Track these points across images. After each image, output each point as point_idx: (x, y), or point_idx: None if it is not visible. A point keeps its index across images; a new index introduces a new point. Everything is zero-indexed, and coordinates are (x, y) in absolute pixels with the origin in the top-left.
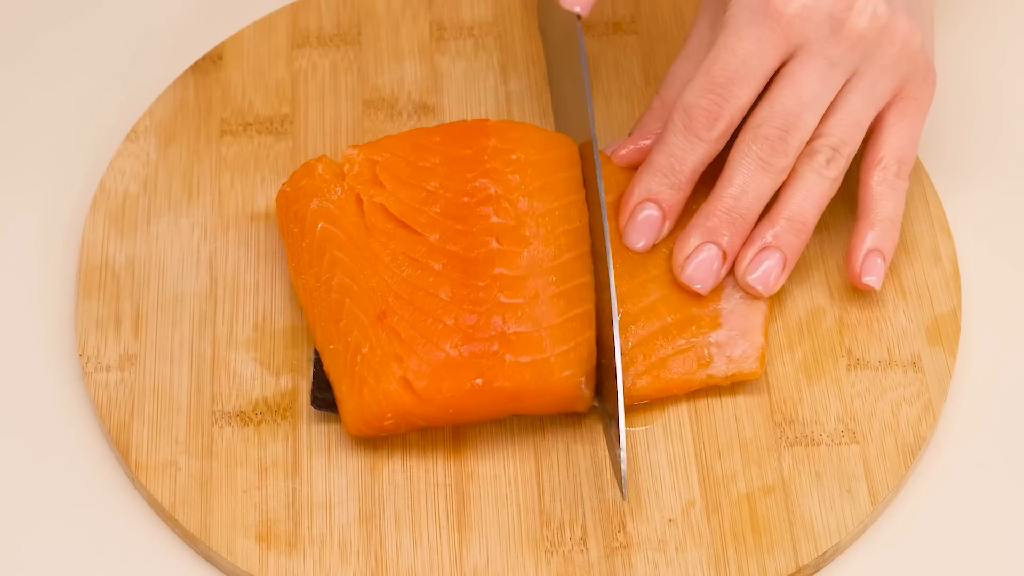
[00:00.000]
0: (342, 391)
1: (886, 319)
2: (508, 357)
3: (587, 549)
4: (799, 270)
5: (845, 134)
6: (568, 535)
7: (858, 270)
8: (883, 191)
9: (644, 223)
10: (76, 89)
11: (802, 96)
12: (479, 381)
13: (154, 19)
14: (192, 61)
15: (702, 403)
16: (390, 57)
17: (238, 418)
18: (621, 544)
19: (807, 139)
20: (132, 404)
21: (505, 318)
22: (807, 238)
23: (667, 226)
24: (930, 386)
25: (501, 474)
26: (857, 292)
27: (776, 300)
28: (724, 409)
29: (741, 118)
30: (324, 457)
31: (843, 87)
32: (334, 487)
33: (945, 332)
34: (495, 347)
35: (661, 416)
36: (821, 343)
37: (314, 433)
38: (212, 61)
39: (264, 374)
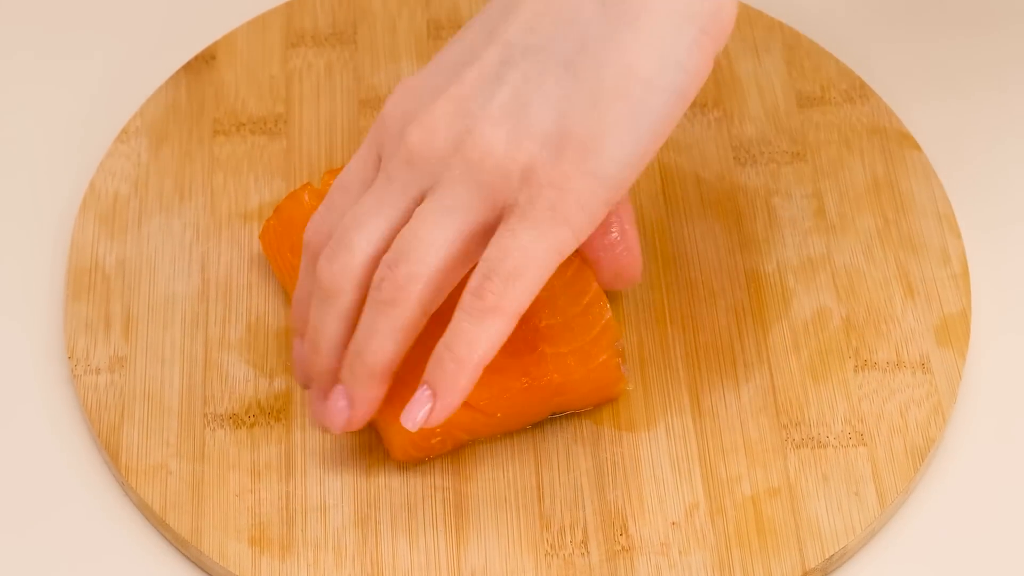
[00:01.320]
0: (385, 418)
1: (894, 319)
2: (548, 350)
3: (588, 552)
4: (805, 271)
5: (401, 254)
6: (569, 538)
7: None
8: (459, 317)
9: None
10: (66, 88)
11: (357, 214)
12: (526, 380)
13: (146, 18)
14: (184, 60)
15: (706, 404)
16: (386, 56)
17: (230, 420)
18: (623, 547)
19: (362, 263)
20: (122, 407)
21: (532, 313)
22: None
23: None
24: (939, 387)
25: (500, 476)
26: (865, 292)
27: (782, 301)
28: (729, 410)
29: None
30: (318, 460)
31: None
32: (329, 490)
33: (954, 332)
34: (533, 344)
35: (664, 418)
36: (828, 344)
37: (308, 436)
38: (205, 60)
39: (257, 376)
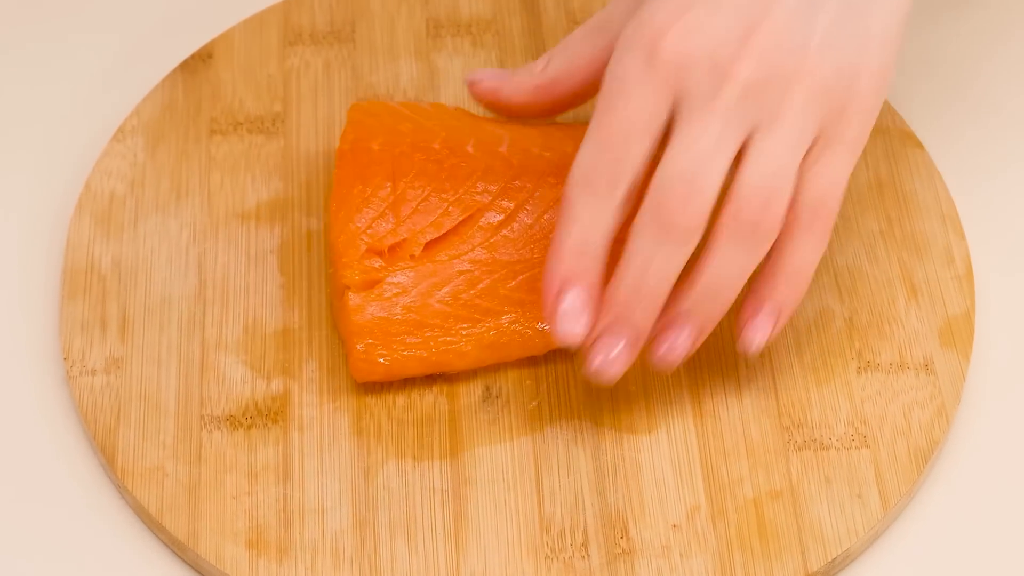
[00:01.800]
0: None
1: (897, 321)
2: None
3: (588, 556)
4: None
5: (759, 193)
6: (569, 541)
7: (742, 324)
8: (786, 242)
9: (572, 308)
10: (61, 88)
11: (695, 154)
12: None
13: (142, 16)
14: (181, 59)
15: (708, 406)
16: (385, 55)
17: (227, 422)
18: (624, 550)
19: (712, 199)
20: (118, 408)
21: None
22: (725, 307)
23: (596, 305)
24: (943, 389)
25: (499, 478)
26: (868, 293)
27: None
28: (730, 412)
29: (642, 175)
30: (316, 461)
31: (748, 141)
32: (327, 492)
33: (958, 334)
34: None
35: (665, 420)
36: (830, 345)
37: (306, 437)
38: (201, 59)
39: (254, 377)
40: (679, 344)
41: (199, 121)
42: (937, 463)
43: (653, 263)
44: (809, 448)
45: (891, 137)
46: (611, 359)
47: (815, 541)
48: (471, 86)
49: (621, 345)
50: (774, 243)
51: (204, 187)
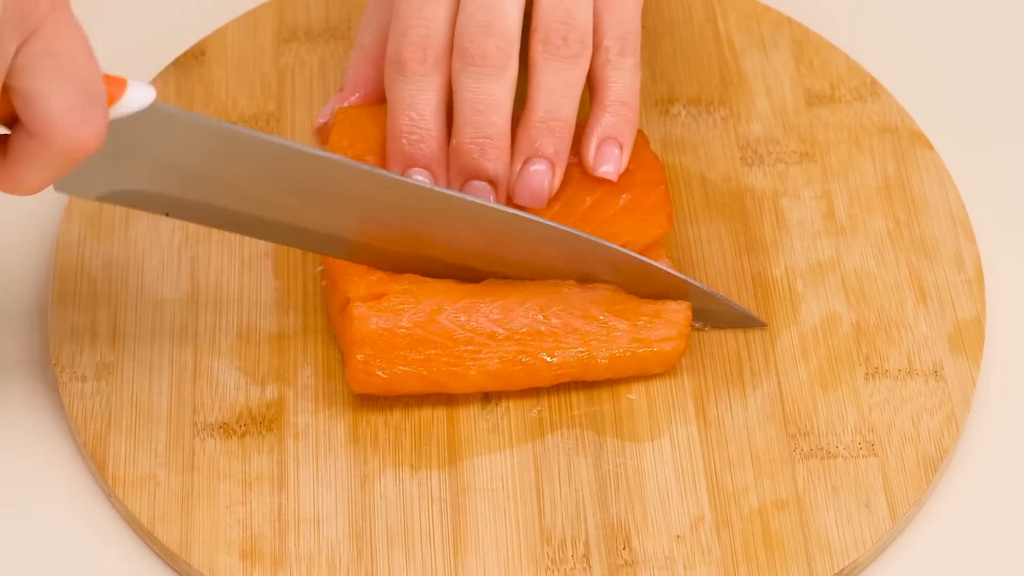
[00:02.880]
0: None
1: (906, 326)
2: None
3: (590, 567)
4: (814, 275)
5: (558, 10)
6: (570, 552)
7: (591, 161)
8: (608, 73)
9: (538, 183)
10: None
11: None
12: None
13: (133, 13)
14: (173, 57)
15: (712, 413)
16: None
17: (221, 430)
18: (626, 562)
19: (513, 24)
20: (109, 415)
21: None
22: (569, 128)
23: (439, 176)
24: (953, 396)
25: (499, 487)
26: (875, 297)
27: (790, 306)
28: (735, 419)
29: (448, 34)
30: (312, 470)
31: None
32: (322, 502)
33: (968, 339)
34: None
35: (668, 427)
36: (837, 351)
37: (301, 445)
38: (194, 57)
39: (248, 384)
40: (539, 179)
41: None
42: (947, 472)
43: (479, 99)
44: (816, 456)
45: (900, 136)
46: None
47: (822, 552)
48: (316, 129)
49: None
50: (594, 82)
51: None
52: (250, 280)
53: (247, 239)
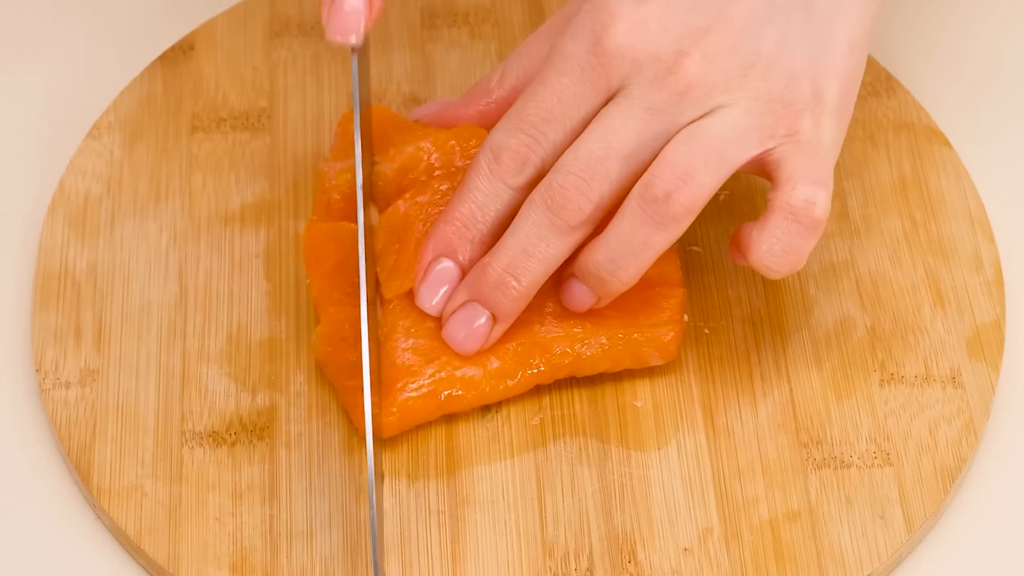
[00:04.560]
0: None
1: (923, 330)
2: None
3: None
4: (827, 277)
5: (676, 169)
6: (573, 566)
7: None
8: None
9: (438, 279)
10: (33, 81)
11: (611, 142)
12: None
13: (119, 6)
14: (161, 51)
15: (721, 421)
16: (378, 47)
17: (210, 438)
18: (632, 575)
19: (612, 194)
20: (94, 424)
21: None
22: (622, 283)
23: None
24: (971, 403)
25: (499, 499)
26: (891, 300)
27: (802, 310)
28: (745, 428)
29: (555, 159)
30: (304, 481)
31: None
32: (316, 514)
33: (987, 344)
34: None
35: (675, 435)
36: (851, 356)
37: (293, 455)
38: (182, 51)
39: (238, 391)
40: (576, 300)
41: (180, 117)
42: (965, 482)
43: (533, 245)
44: (829, 466)
45: (916, 134)
46: (463, 330)
47: (835, 565)
48: (414, 119)
49: (481, 322)
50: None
51: (185, 187)
52: (241, 283)
53: (237, 239)
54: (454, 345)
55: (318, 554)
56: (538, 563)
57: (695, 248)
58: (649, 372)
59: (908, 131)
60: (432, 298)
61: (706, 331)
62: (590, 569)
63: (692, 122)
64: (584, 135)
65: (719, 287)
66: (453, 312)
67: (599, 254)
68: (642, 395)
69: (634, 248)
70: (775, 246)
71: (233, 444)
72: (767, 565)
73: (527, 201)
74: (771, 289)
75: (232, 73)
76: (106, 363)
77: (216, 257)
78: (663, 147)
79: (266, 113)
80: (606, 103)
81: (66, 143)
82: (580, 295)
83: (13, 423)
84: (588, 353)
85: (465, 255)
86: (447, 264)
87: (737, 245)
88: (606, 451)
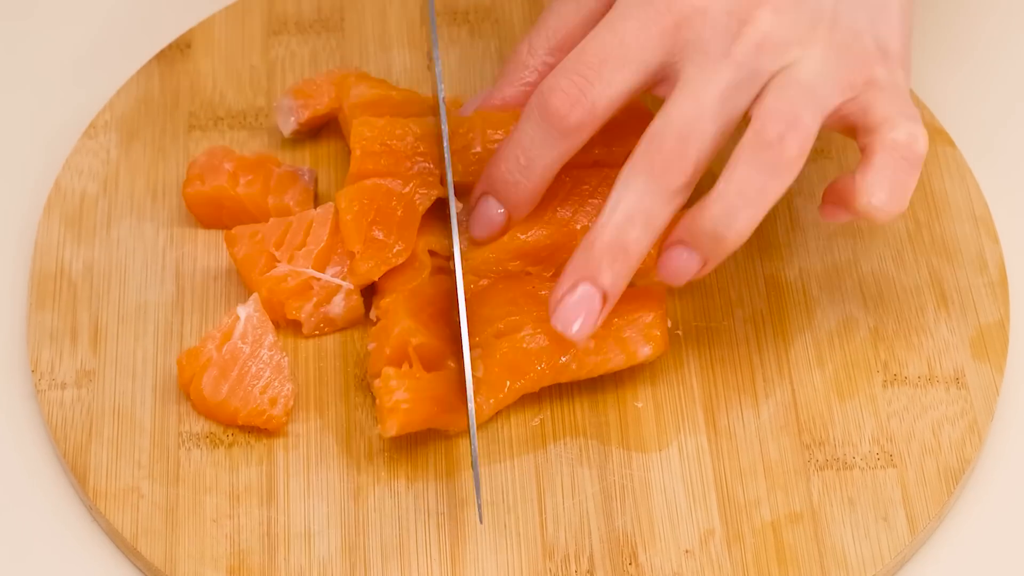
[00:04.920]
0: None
1: (926, 330)
2: None
3: None
4: (829, 278)
5: (782, 114)
6: (573, 568)
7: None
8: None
9: (483, 219)
10: (29, 79)
11: (702, 100)
12: None
13: (116, 3)
14: (157, 49)
15: (722, 422)
16: (376, 45)
17: (207, 440)
18: None
19: (710, 152)
20: (90, 425)
21: None
22: (739, 236)
23: (512, 224)
24: (975, 404)
25: (499, 500)
26: (894, 300)
27: (804, 310)
28: (747, 429)
29: (611, 111)
30: (302, 482)
31: (766, 86)
32: (314, 515)
33: (991, 345)
34: None
35: (677, 437)
36: (854, 357)
37: (291, 456)
38: (179, 49)
39: None
40: (681, 268)
41: (177, 116)
42: (969, 483)
43: (636, 214)
44: (831, 467)
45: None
46: (575, 313)
47: (838, 567)
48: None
49: (592, 301)
50: None
51: (182, 187)
52: (237, 283)
53: None
54: (566, 331)
55: (316, 556)
56: (538, 565)
57: None
58: (650, 373)
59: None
60: (479, 228)
61: (707, 331)
62: (590, 571)
63: (774, 75)
64: (673, 97)
65: (721, 288)
66: (561, 298)
67: (715, 207)
68: (643, 396)
69: (751, 197)
70: (884, 186)
71: (230, 445)
72: (769, 567)
73: (624, 171)
74: (773, 289)
75: (230, 71)
76: (102, 364)
77: (213, 257)
78: (749, 101)
79: (264, 112)
80: (671, 57)
81: (62, 142)
82: (685, 263)
83: (8, 424)
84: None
85: (510, 197)
86: (492, 207)
87: (836, 198)
88: (607, 452)
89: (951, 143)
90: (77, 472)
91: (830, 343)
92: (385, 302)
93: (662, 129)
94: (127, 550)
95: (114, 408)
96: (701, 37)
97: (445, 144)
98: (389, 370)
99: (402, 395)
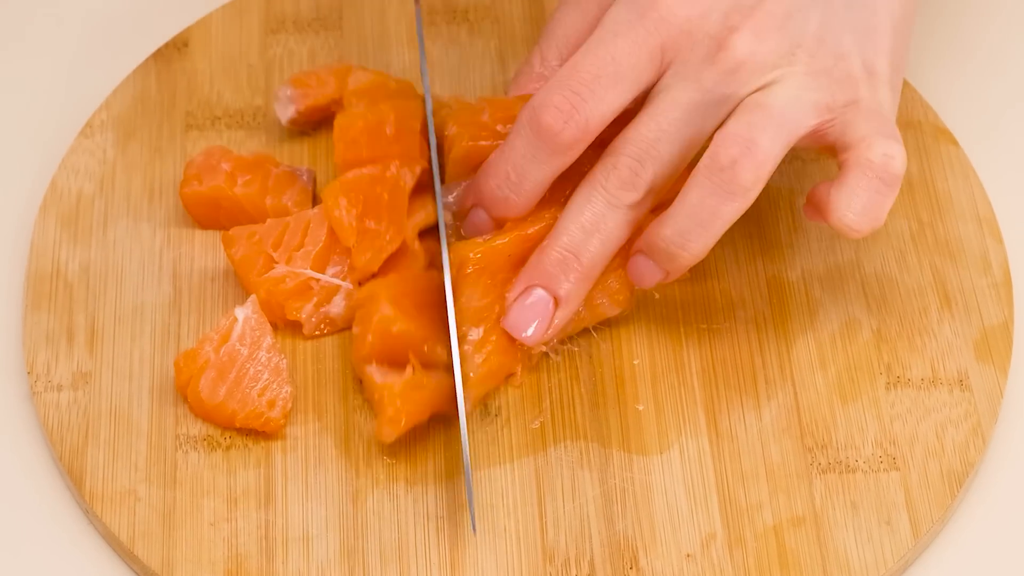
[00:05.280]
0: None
1: (930, 332)
2: None
3: None
4: (832, 279)
5: (739, 140)
6: (574, 572)
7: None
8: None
9: (473, 228)
10: (24, 78)
11: (661, 123)
12: None
13: (112, 1)
14: (154, 48)
15: (724, 424)
16: (375, 44)
17: (205, 442)
18: None
19: (666, 175)
20: (86, 427)
21: None
22: (691, 256)
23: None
24: (979, 406)
25: (499, 504)
26: (897, 302)
27: (807, 312)
28: (749, 432)
29: (603, 127)
30: (301, 485)
31: (738, 106)
32: (312, 518)
33: (995, 346)
34: None
35: (678, 440)
36: (857, 359)
37: (289, 459)
38: (176, 48)
39: None
40: (644, 275)
41: (174, 115)
42: (972, 486)
43: (591, 224)
44: (834, 471)
45: (923, 132)
46: (526, 316)
47: (840, 571)
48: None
49: (543, 305)
50: None
51: (179, 187)
52: (235, 284)
53: None
54: (517, 333)
55: (314, 560)
56: (538, 569)
57: None
58: (651, 375)
59: (915, 130)
60: (472, 233)
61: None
62: (591, 575)
63: (744, 97)
64: (638, 118)
65: (722, 289)
66: (514, 300)
67: (667, 228)
68: (644, 398)
69: (703, 220)
70: (855, 204)
71: (228, 448)
72: (771, 571)
73: (583, 184)
74: (775, 291)
75: (227, 70)
76: (99, 365)
77: (210, 258)
78: (715, 125)
79: (261, 111)
80: (659, 75)
81: (58, 141)
82: (648, 270)
83: (4, 427)
84: None
85: (498, 211)
86: (482, 218)
87: (814, 205)
88: (608, 455)
89: (955, 143)
90: (73, 475)
91: (832, 345)
92: (367, 287)
93: (622, 148)
94: (124, 553)
95: (111, 410)
96: (682, 59)
97: (430, 125)
98: (393, 385)
99: (401, 405)
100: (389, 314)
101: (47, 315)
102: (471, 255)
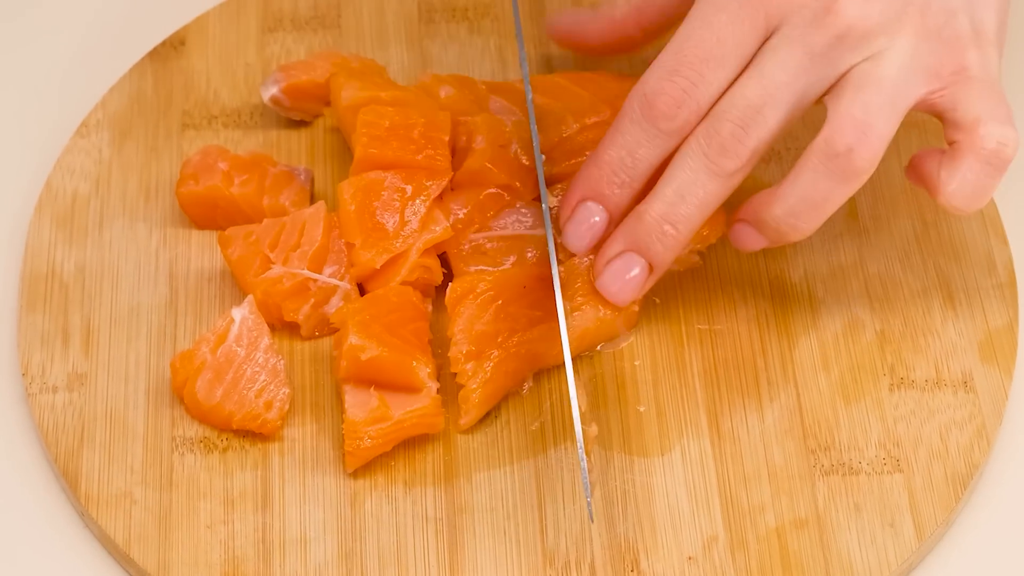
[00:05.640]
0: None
1: (934, 333)
2: None
3: None
4: (835, 279)
5: (856, 123)
6: (575, 575)
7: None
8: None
9: (584, 226)
10: (19, 77)
11: (768, 87)
12: None
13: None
14: (151, 47)
15: (726, 426)
16: (373, 42)
17: (201, 444)
18: None
19: (770, 140)
20: (82, 429)
21: None
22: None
23: (613, 221)
24: (983, 408)
25: (499, 506)
26: (901, 303)
27: (809, 312)
28: (751, 433)
29: (713, 103)
30: (298, 487)
31: (844, 76)
32: (310, 521)
33: (1000, 348)
34: None
35: (679, 441)
36: (860, 360)
37: (287, 461)
38: (173, 47)
39: None
40: (747, 243)
41: (170, 114)
42: (977, 489)
43: (688, 196)
44: (837, 473)
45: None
46: (619, 280)
47: (843, 574)
48: (549, 29)
49: (636, 271)
50: None
51: (175, 187)
52: (231, 284)
53: None
54: (608, 296)
55: (312, 562)
56: (538, 572)
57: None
58: (653, 376)
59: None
60: (578, 244)
61: (711, 333)
62: None
63: (854, 67)
64: (741, 80)
65: (725, 289)
66: (608, 263)
67: (778, 208)
68: (645, 399)
69: (816, 203)
70: (965, 188)
71: (225, 450)
72: (774, 574)
73: (682, 148)
74: (778, 291)
75: (224, 69)
76: (94, 367)
77: (207, 258)
78: (823, 92)
79: (259, 111)
80: (764, 42)
81: (53, 141)
82: (752, 239)
83: None
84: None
85: (612, 199)
86: (594, 211)
87: (920, 175)
88: (608, 457)
89: None
90: (69, 477)
91: (836, 346)
92: (339, 311)
93: (726, 111)
94: (120, 557)
95: (106, 412)
96: (789, 22)
97: (535, 138)
98: (354, 418)
99: (368, 442)
100: (356, 343)
101: (42, 316)
102: (480, 287)
